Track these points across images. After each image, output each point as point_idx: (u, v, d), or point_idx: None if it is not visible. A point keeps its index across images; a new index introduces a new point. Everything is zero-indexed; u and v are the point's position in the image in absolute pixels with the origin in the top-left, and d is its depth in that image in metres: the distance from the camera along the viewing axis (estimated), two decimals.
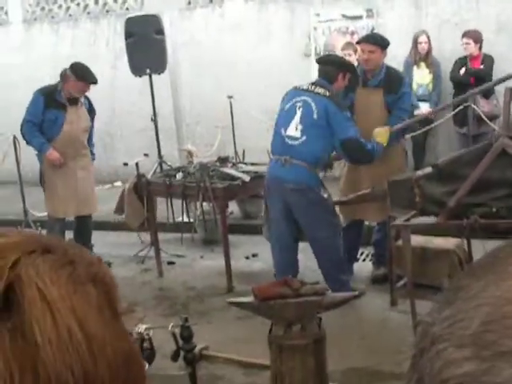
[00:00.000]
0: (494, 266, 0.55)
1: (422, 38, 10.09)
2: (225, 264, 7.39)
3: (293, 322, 4.32)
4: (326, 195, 6.63)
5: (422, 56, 10.11)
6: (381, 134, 6.75)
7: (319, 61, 6.97)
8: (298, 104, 6.56)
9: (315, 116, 6.46)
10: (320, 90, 6.55)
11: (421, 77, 9.96)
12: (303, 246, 6.96)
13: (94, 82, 8.05)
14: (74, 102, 8.09)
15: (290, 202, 6.57)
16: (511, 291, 0.51)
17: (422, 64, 10.14)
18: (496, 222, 5.68)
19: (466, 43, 9.89)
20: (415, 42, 10.11)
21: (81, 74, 7.96)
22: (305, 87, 6.68)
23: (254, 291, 4.46)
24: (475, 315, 0.52)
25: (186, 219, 8.29)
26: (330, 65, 6.74)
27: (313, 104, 6.48)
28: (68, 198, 8.15)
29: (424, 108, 9.82)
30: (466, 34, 9.93)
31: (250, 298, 4.54)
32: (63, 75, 8.01)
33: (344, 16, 11.12)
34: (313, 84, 6.67)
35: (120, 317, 0.75)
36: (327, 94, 6.53)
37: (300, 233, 6.78)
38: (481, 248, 6.39)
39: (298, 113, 6.54)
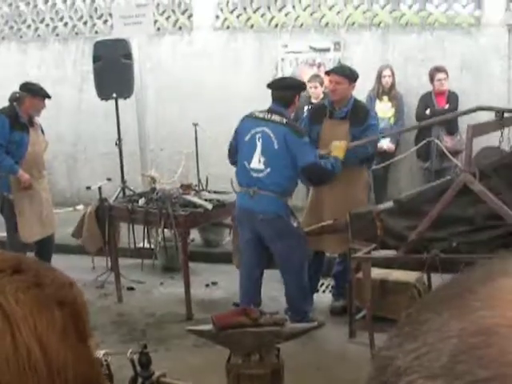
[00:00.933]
0: (453, 301, 0.56)
1: (386, 72, 10.19)
2: (184, 291, 7.35)
3: (251, 351, 4.31)
4: (295, 224, 6.65)
5: (385, 89, 10.20)
6: (337, 148, 6.77)
7: (273, 86, 6.85)
8: (258, 135, 6.57)
9: (276, 146, 6.48)
10: (276, 118, 6.55)
11: (383, 111, 10.02)
12: (265, 276, 6.95)
13: (49, 96, 8.02)
14: (31, 123, 8.07)
15: (261, 231, 6.59)
16: (475, 324, 0.52)
17: (385, 98, 10.22)
18: (456, 257, 5.73)
19: (444, 79, 9.99)
20: (379, 76, 10.20)
21: (35, 90, 7.94)
22: (261, 116, 6.66)
23: (213, 319, 4.46)
24: (443, 347, 0.52)
25: (147, 245, 8.26)
26: (286, 89, 6.71)
27: (272, 134, 6.50)
28: (36, 221, 8.08)
29: (385, 142, 9.89)
30: (439, 70, 10.02)
31: (208, 327, 4.54)
32: (18, 98, 7.94)
33: (312, 48, 11.21)
34: (268, 112, 6.65)
35: (88, 341, 0.75)
36: (284, 121, 6.54)
37: (269, 262, 6.79)
38: (440, 282, 6.45)
39: (259, 144, 6.55)
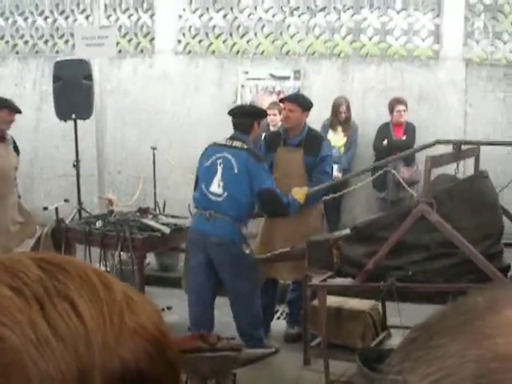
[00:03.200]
0: (465, 327, 0.59)
1: (342, 109, 10.19)
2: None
3: (208, 376, 4.30)
4: (248, 251, 6.66)
5: (340, 121, 10.23)
6: (298, 193, 6.83)
7: (232, 113, 6.92)
8: (219, 161, 6.61)
9: (236, 171, 6.52)
10: (238, 144, 6.62)
11: (335, 140, 10.05)
12: (219, 302, 6.94)
13: (19, 110, 7.83)
14: (1, 139, 7.91)
15: (213, 256, 6.58)
16: (492, 351, 0.55)
17: (339, 128, 10.25)
18: (412, 286, 5.78)
19: (403, 111, 10.11)
20: (335, 110, 10.23)
21: (2, 102, 7.78)
22: (223, 142, 6.73)
23: None
24: (463, 371, 0.55)
25: (103, 268, 8.20)
26: (245, 116, 6.79)
27: (232, 159, 6.55)
28: (2, 241, 7.90)
29: (334, 170, 9.89)
30: (400, 102, 10.14)
31: None
32: None
33: (272, 76, 11.29)
34: (230, 138, 6.72)
35: None
36: (245, 146, 6.60)
37: (219, 287, 6.78)
38: (395, 310, 6.51)
39: (219, 169, 6.59)
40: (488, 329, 0.57)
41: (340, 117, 10.17)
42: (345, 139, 10.23)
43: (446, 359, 0.56)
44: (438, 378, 0.56)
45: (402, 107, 10.10)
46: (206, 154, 6.83)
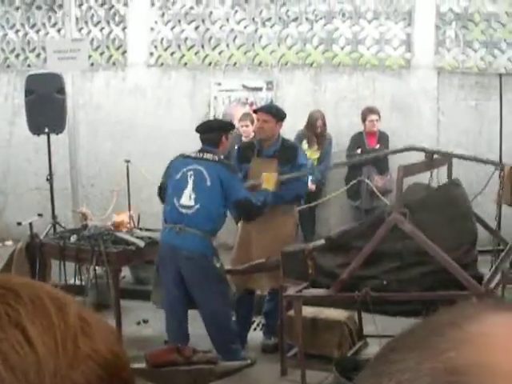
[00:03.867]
0: (422, 342, 0.61)
1: (318, 123, 10.18)
2: (116, 329, 7.25)
3: None
4: (218, 264, 6.63)
5: (317, 135, 10.22)
6: (268, 180, 6.84)
7: (200, 130, 6.91)
8: (190, 173, 6.59)
9: (208, 183, 6.50)
10: (209, 156, 6.62)
11: (309, 152, 10.06)
12: (194, 314, 6.92)
13: None
14: None
15: (183, 269, 6.56)
16: (445, 364, 0.57)
17: (315, 142, 10.22)
18: (386, 296, 5.79)
19: (376, 120, 10.15)
20: (312, 124, 10.22)
21: None
22: (192, 155, 6.72)
23: (146, 357, 4.43)
24: None
25: (78, 282, 8.15)
26: (212, 131, 6.78)
27: (205, 171, 6.53)
28: None
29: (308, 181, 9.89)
30: (373, 112, 10.18)
31: (141, 365, 4.50)
32: None
33: (244, 87, 11.30)
34: (200, 151, 6.71)
35: None
36: (216, 158, 6.61)
37: (192, 300, 6.75)
38: (371, 320, 6.53)
39: (190, 182, 6.56)
40: (444, 343, 0.59)
41: (316, 131, 10.17)
42: (318, 152, 10.22)
43: (404, 373, 0.58)
44: None
45: (374, 116, 10.15)
46: (173, 166, 6.81)
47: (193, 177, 6.56)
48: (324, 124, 10.20)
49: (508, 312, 0.63)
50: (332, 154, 10.32)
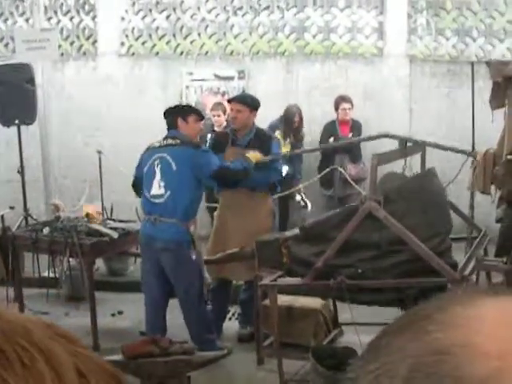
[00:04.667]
0: (410, 326, 0.62)
1: (296, 119, 10.08)
2: (90, 321, 7.23)
3: (162, 380, 4.27)
4: (195, 254, 6.63)
5: (292, 129, 10.12)
6: (251, 156, 6.87)
7: (164, 114, 6.94)
8: (156, 162, 6.57)
9: (174, 168, 6.47)
10: (171, 141, 6.60)
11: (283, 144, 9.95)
12: (171, 304, 6.90)
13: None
14: None
15: (161, 260, 6.54)
16: (430, 345, 0.58)
17: (289, 136, 10.12)
18: (362, 283, 5.80)
19: (348, 109, 10.15)
20: (289, 120, 10.10)
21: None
22: (157, 145, 6.71)
23: (123, 349, 4.40)
24: (400, 366, 0.57)
25: (51, 275, 8.09)
26: (170, 114, 6.80)
27: (168, 157, 6.51)
28: None
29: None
30: (345, 100, 10.17)
31: (117, 356, 4.47)
32: None
33: (216, 76, 11.27)
34: (164, 139, 6.71)
35: None
36: (178, 141, 6.57)
37: (173, 290, 6.74)
38: (346, 308, 6.54)
39: (157, 170, 6.54)
40: (430, 326, 0.60)
41: (293, 126, 10.08)
42: (289, 146, 10.11)
43: (389, 356, 0.59)
44: (377, 374, 0.58)
45: (347, 105, 10.15)
46: (143, 160, 6.80)
47: (159, 165, 6.53)
48: (301, 119, 10.14)
49: (497, 296, 0.64)
50: (304, 141, 10.27)
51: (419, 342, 0.58)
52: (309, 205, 9.16)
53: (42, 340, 0.69)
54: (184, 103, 9.69)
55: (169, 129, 6.77)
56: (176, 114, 6.78)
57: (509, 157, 6.45)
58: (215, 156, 6.73)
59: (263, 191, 7.23)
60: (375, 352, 0.61)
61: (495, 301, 0.63)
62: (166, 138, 6.72)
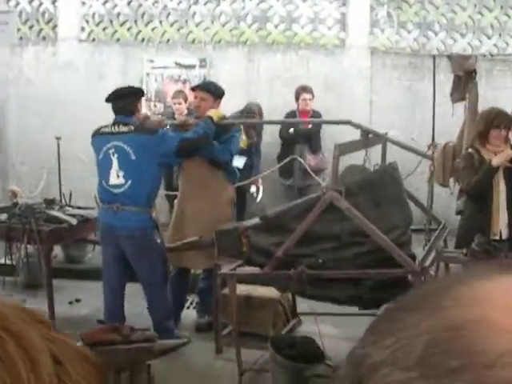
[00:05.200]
0: (424, 302, 0.62)
1: (256, 116, 9.94)
2: (48, 309, 7.15)
3: (123, 368, 4.24)
4: (159, 241, 6.60)
5: (253, 127, 9.98)
6: (212, 112, 6.86)
7: (112, 98, 6.71)
8: (111, 151, 6.46)
9: (133, 157, 6.40)
10: (125, 128, 6.47)
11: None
12: (130, 292, 6.86)
13: None
14: None
15: (124, 248, 6.49)
16: (445, 321, 0.58)
17: (248, 133, 9.99)
18: (322, 273, 5.81)
19: (309, 99, 10.14)
20: (249, 117, 9.91)
21: None
22: (107, 130, 6.56)
23: (82, 336, 4.36)
24: (416, 342, 0.57)
25: (8, 262, 7.99)
26: (125, 97, 6.63)
27: (125, 146, 6.41)
28: None
29: (239, 161, 9.70)
30: (306, 90, 10.17)
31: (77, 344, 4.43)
32: None
33: (177, 64, 11.21)
34: (114, 124, 6.56)
35: None
36: (132, 128, 6.47)
37: (133, 276, 6.70)
38: (305, 298, 6.56)
39: (114, 160, 6.44)
40: (445, 301, 0.60)
41: (253, 124, 9.93)
42: (248, 143, 9.99)
43: (403, 332, 0.59)
44: (393, 350, 0.58)
45: (307, 95, 10.15)
46: (94, 145, 6.69)
47: (116, 154, 6.43)
48: (260, 115, 10.04)
49: (509, 273, 0.64)
50: (265, 130, 10.22)
51: (434, 319, 0.58)
52: (259, 196, 9.14)
53: (15, 324, 0.67)
54: (151, 94, 9.67)
55: (122, 113, 6.57)
56: (136, 97, 6.72)
57: (469, 150, 6.51)
58: (171, 134, 6.68)
59: (222, 179, 7.18)
60: (388, 327, 0.61)
61: (508, 277, 0.63)
62: (116, 123, 6.56)
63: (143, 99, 7.07)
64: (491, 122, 6.35)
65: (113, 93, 6.77)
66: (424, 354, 0.56)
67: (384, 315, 0.65)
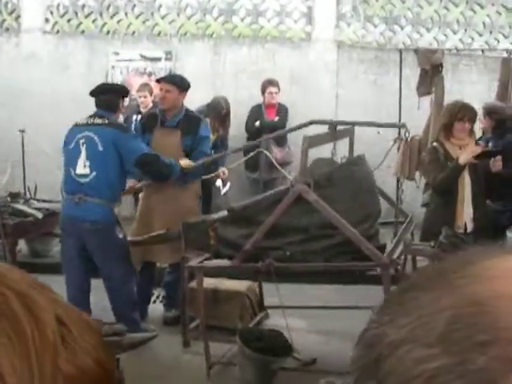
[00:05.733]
0: (438, 280, 0.62)
1: (223, 112, 9.82)
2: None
3: None
4: (121, 235, 6.56)
5: (219, 120, 9.94)
6: (183, 161, 6.86)
7: (96, 92, 6.75)
8: (81, 140, 6.45)
9: (100, 148, 6.39)
10: (99, 121, 6.49)
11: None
12: (95, 285, 6.81)
13: None
14: None
15: (86, 240, 6.44)
16: (467, 298, 0.58)
17: (215, 126, 9.94)
18: (290, 266, 5.82)
19: (275, 92, 10.14)
20: (216, 110, 9.81)
21: None
22: (84, 121, 6.58)
23: None
24: (437, 319, 0.57)
25: None
26: (110, 93, 6.69)
27: (95, 137, 6.41)
28: None
29: None
30: (271, 84, 10.16)
31: None
32: None
33: (143, 57, 11.15)
34: (91, 116, 6.59)
35: None
36: (106, 121, 6.49)
37: (95, 270, 6.65)
38: (271, 291, 6.56)
39: (83, 149, 6.43)
40: (461, 279, 0.60)
41: (219, 118, 9.91)
42: (215, 137, 9.94)
43: (421, 309, 0.59)
44: (413, 327, 0.58)
45: (274, 89, 10.16)
46: (68, 136, 6.67)
47: (85, 144, 6.43)
48: (228, 112, 10.00)
49: None
50: (232, 123, 10.19)
51: (455, 295, 0.58)
52: (225, 189, 9.11)
53: (19, 283, 0.67)
54: (113, 83, 9.60)
55: (103, 108, 6.62)
56: (120, 95, 6.74)
57: (434, 144, 6.54)
58: (143, 143, 6.67)
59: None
60: (403, 306, 0.61)
61: None
62: (93, 116, 6.60)
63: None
64: (455, 115, 6.37)
65: (98, 87, 6.85)
66: (446, 330, 0.56)
67: (394, 296, 0.65)
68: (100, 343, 0.71)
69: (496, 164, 6.56)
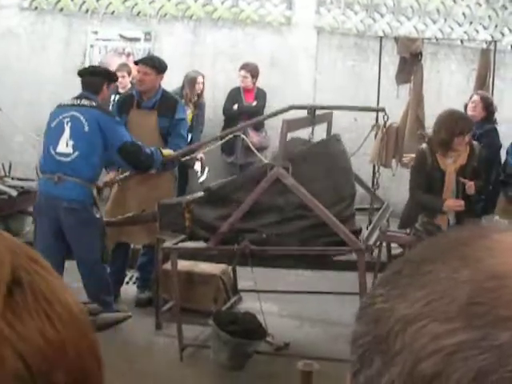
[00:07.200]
0: (452, 253, 0.60)
1: (200, 79, 9.87)
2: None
3: None
4: (98, 215, 6.52)
5: (194, 97, 9.93)
6: (164, 152, 6.85)
7: (83, 73, 6.81)
8: (66, 119, 6.41)
9: (86, 129, 6.36)
10: (86, 102, 6.47)
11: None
12: (69, 266, 6.76)
13: None
14: None
15: (62, 220, 6.39)
16: (485, 271, 0.57)
17: (191, 105, 9.91)
18: (266, 249, 5.82)
19: (244, 76, 10.10)
20: (191, 84, 9.87)
21: None
22: (69, 102, 6.56)
23: None
24: (457, 292, 0.56)
25: None
26: (96, 76, 6.68)
27: (82, 117, 6.38)
28: None
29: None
30: (243, 67, 10.13)
31: None
32: None
33: (122, 37, 11.06)
34: (77, 98, 6.56)
35: None
36: (93, 104, 6.47)
37: (69, 251, 6.60)
38: (245, 274, 6.56)
39: (67, 128, 6.39)
40: (478, 252, 0.59)
41: (198, 90, 9.89)
42: (190, 115, 9.90)
43: (436, 283, 0.58)
44: (429, 301, 0.57)
45: (244, 73, 10.07)
46: (51, 116, 6.64)
47: (70, 123, 6.39)
48: (203, 84, 9.98)
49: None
50: (208, 106, 10.16)
51: (472, 268, 0.57)
52: (204, 175, 9.10)
53: None
54: (94, 64, 9.55)
55: (87, 89, 6.59)
56: (106, 79, 6.70)
57: (424, 146, 6.39)
58: (127, 132, 6.64)
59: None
60: (415, 279, 0.60)
61: None
62: (80, 97, 6.56)
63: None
64: (455, 130, 6.13)
65: (86, 68, 6.97)
66: (468, 304, 0.55)
67: (401, 270, 0.62)
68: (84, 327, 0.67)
69: (470, 189, 6.37)
